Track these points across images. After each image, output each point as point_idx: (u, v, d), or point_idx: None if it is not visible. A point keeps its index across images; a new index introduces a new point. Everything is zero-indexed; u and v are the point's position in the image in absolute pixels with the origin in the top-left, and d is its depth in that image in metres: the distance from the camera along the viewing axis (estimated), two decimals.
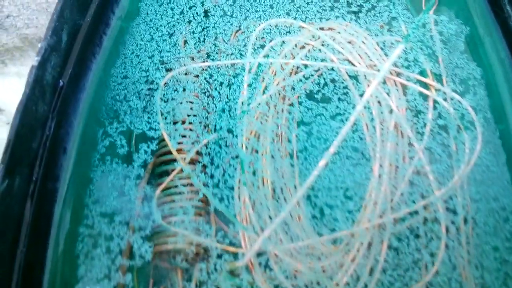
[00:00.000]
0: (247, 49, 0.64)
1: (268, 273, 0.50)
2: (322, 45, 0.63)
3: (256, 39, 0.66)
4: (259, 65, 0.62)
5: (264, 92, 0.60)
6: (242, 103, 0.58)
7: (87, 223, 0.53)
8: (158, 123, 0.59)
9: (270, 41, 0.64)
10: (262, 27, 0.64)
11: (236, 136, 0.57)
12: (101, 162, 0.57)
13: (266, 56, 0.63)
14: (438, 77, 0.61)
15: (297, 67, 0.63)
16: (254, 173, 0.55)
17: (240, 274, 0.50)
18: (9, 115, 1.37)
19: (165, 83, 0.62)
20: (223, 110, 0.60)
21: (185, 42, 0.66)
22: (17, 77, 1.24)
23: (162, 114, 0.60)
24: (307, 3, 0.69)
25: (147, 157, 0.57)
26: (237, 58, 0.64)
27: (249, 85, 0.61)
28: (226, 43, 0.66)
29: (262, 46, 0.64)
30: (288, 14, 0.68)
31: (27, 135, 0.52)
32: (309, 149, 0.57)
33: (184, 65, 0.64)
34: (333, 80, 0.62)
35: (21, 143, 0.50)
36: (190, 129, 0.59)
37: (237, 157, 0.56)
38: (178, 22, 0.68)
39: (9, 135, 0.49)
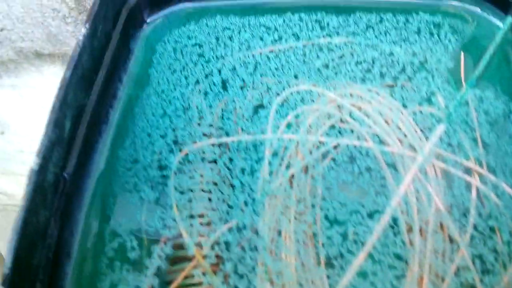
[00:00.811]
0: (268, 126, 0.58)
1: None
2: (352, 119, 0.57)
3: (277, 112, 0.59)
4: (285, 147, 0.56)
5: (290, 182, 0.54)
6: (264, 191, 0.51)
7: None
8: (174, 220, 0.53)
9: (296, 117, 0.58)
10: (284, 96, 0.58)
11: (262, 237, 0.51)
12: (110, 269, 0.50)
13: (289, 132, 0.57)
14: (487, 167, 0.55)
15: (327, 151, 0.56)
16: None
17: None
18: (3, 125, 1.34)
19: (180, 169, 0.56)
20: (245, 204, 0.54)
21: (202, 117, 0.60)
22: (11, 89, 1.24)
23: (177, 207, 0.53)
24: (336, 73, 0.62)
25: (161, 263, 0.50)
26: (258, 135, 0.58)
27: (270, 172, 0.54)
28: (247, 120, 0.59)
29: (289, 126, 0.57)
30: (315, 85, 0.61)
31: (27, 252, 0.45)
32: (345, 256, 0.50)
33: (201, 146, 0.57)
34: (368, 169, 0.55)
35: (21, 263, 0.44)
36: (209, 226, 0.52)
37: (262, 264, 0.50)
38: (193, 94, 0.61)
39: (7, 255, 0.43)
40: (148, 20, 0.65)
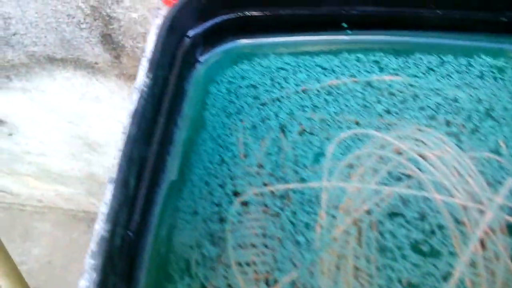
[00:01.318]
0: (330, 175, 0.56)
1: None
2: (418, 169, 0.55)
3: (339, 160, 0.57)
4: (350, 198, 0.54)
5: (358, 240, 0.52)
6: (328, 248, 0.49)
7: None
8: (236, 278, 0.51)
9: (359, 166, 0.56)
10: (346, 143, 0.56)
11: None
12: None
13: (353, 182, 0.54)
14: None
15: (395, 205, 0.54)
16: None
17: None
18: (11, 126, 1.36)
19: (240, 222, 0.54)
20: (312, 263, 0.52)
21: (261, 166, 0.57)
22: (22, 92, 1.23)
23: (240, 265, 0.51)
24: (399, 119, 0.60)
25: None
26: (320, 184, 0.55)
27: (334, 226, 0.52)
28: (307, 168, 0.57)
29: (351, 175, 0.55)
30: (377, 131, 0.59)
31: None
32: None
33: (262, 197, 0.55)
34: (440, 226, 0.53)
35: None
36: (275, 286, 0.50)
37: None
38: (250, 140, 0.59)
39: None
40: (201, 59, 0.63)
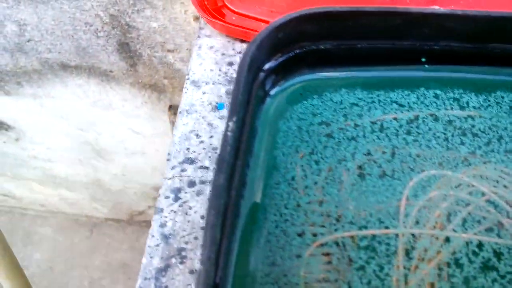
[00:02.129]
0: (418, 223, 0.52)
1: None
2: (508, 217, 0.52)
3: (426, 208, 0.54)
4: (438, 251, 0.51)
5: None
6: None
7: None
8: None
9: (449, 215, 0.52)
10: (433, 188, 0.53)
11: None
12: None
13: (445, 232, 0.51)
14: None
15: (488, 259, 0.51)
16: None
17: None
18: (19, 132, 1.38)
19: (325, 279, 0.50)
20: None
21: (341, 215, 0.53)
22: (32, 98, 1.26)
23: None
24: (484, 163, 0.57)
25: None
26: (408, 236, 0.52)
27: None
28: (392, 217, 0.53)
29: (436, 219, 0.52)
30: (463, 176, 0.56)
31: None
32: None
33: (345, 248, 0.51)
34: None
35: None
36: None
37: None
38: (327, 183, 0.55)
39: None
40: (270, 94, 0.59)
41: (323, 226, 0.52)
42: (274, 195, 0.54)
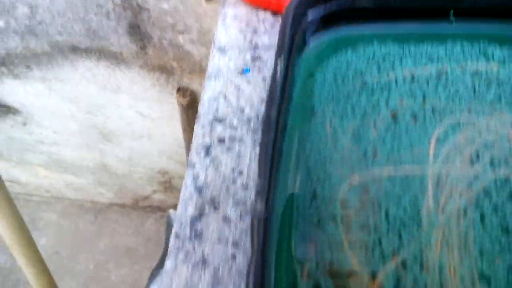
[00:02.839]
0: (449, 160, 0.56)
1: None
2: None
3: (455, 147, 0.57)
4: (468, 186, 0.54)
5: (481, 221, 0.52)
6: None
7: None
8: (366, 258, 0.51)
9: (477, 154, 0.56)
10: (461, 130, 0.56)
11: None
12: None
13: (473, 168, 0.55)
14: None
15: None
16: None
17: None
18: (26, 116, 1.39)
19: (362, 205, 0.54)
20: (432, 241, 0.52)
21: (376, 152, 0.57)
22: (41, 81, 1.27)
23: (366, 250, 0.51)
24: (510, 107, 0.61)
25: None
26: (438, 170, 0.56)
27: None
28: (425, 155, 0.57)
29: (464, 157, 0.56)
30: (490, 118, 0.59)
31: None
32: None
33: (379, 179, 0.55)
34: None
35: None
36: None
37: None
38: (363, 127, 0.59)
39: None
40: (308, 45, 0.62)
41: (359, 163, 0.56)
42: (313, 138, 0.57)
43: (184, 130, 1.25)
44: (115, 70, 1.22)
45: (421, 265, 0.49)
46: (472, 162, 0.55)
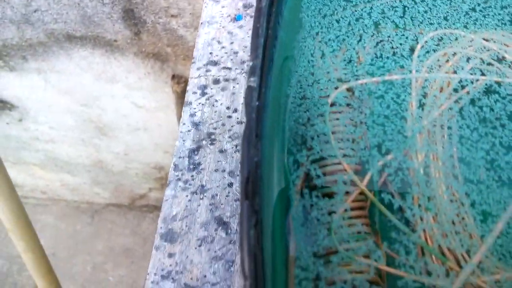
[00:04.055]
0: (424, 65, 0.59)
1: None
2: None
3: (429, 52, 0.60)
4: (448, 84, 0.57)
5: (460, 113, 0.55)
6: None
7: None
8: (353, 150, 0.53)
9: (448, 59, 0.59)
10: (438, 37, 0.59)
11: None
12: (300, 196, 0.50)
13: (448, 71, 0.58)
14: None
15: (490, 86, 0.57)
16: None
17: None
18: (22, 111, 1.39)
19: (349, 105, 0.56)
20: (419, 133, 0.54)
21: (360, 58, 0.60)
22: (37, 73, 1.26)
23: (353, 141, 0.54)
24: (484, 16, 0.64)
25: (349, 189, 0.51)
26: (420, 73, 0.59)
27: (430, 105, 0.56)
28: (405, 58, 0.60)
29: (444, 60, 0.58)
30: (465, 27, 0.63)
31: None
32: None
33: (365, 83, 0.57)
34: None
35: None
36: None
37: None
38: (348, 36, 0.62)
39: None
40: None
41: (346, 68, 0.59)
42: (302, 47, 0.60)
43: (180, 118, 1.27)
44: (109, 58, 1.21)
45: (405, 154, 0.51)
46: (448, 61, 0.58)
